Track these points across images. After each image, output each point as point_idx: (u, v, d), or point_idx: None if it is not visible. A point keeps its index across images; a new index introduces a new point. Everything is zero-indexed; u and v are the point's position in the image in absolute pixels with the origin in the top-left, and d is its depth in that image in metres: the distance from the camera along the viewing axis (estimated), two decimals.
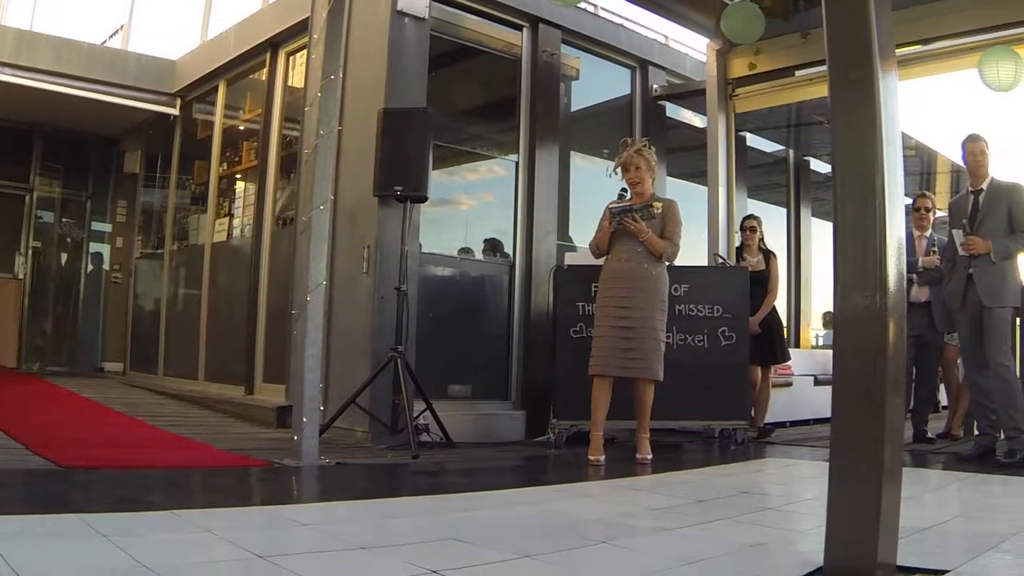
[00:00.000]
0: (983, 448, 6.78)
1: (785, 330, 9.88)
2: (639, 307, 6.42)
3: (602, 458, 6.32)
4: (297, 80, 9.03)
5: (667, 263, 6.64)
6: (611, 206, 6.63)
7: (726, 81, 9.42)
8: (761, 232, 8.69)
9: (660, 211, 6.51)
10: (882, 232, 2.94)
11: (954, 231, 6.91)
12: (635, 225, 6.44)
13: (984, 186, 6.79)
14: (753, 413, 8.23)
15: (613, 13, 9.81)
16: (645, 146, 6.77)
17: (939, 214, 8.52)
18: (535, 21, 8.67)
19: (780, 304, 9.04)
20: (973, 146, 6.85)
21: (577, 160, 9.31)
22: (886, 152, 2.98)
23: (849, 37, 3.09)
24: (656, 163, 6.88)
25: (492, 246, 8.60)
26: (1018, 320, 7.02)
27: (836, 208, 3.07)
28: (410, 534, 3.81)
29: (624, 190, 6.75)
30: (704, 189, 9.48)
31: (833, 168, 3.12)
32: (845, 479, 3.00)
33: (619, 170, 6.77)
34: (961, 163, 7.35)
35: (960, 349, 7.45)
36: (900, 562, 3.02)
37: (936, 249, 7.76)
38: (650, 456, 6.48)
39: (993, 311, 6.58)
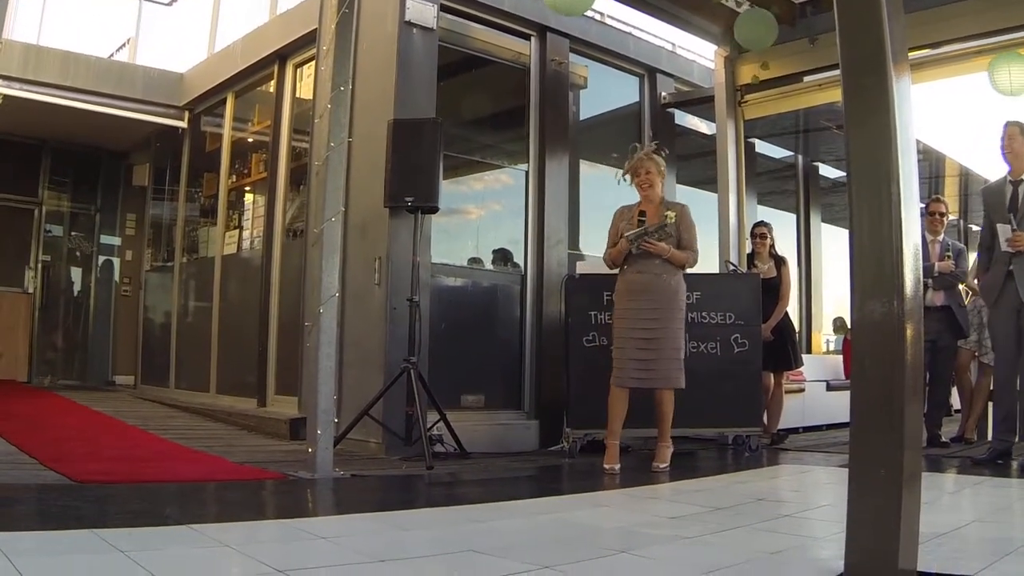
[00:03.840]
0: (997, 452, 6.72)
1: (797, 335, 9.87)
2: (661, 318, 6.39)
3: (618, 467, 6.31)
4: (306, 92, 9.03)
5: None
6: (627, 235, 6.47)
7: (735, 88, 9.36)
8: (772, 238, 8.67)
9: (674, 220, 6.49)
10: (898, 238, 2.92)
11: (999, 225, 6.64)
12: (655, 247, 6.42)
13: None
14: (766, 419, 8.21)
15: (620, 21, 9.81)
16: (655, 150, 6.72)
17: (951, 218, 8.48)
18: (543, 30, 8.68)
19: (791, 309, 9.02)
20: (1012, 129, 6.70)
21: (587, 168, 9.28)
22: (901, 158, 2.96)
23: (862, 43, 3.08)
24: (665, 167, 6.79)
25: (502, 256, 8.59)
26: None
27: (852, 215, 3.05)
28: (428, 546, 3.81)
29: (642, 213, 6.62)
30: (713, 196, 9.45)
31: (848, 175, 3.10)
32: (865, 486, 2.99)
33: (628, 176, 6.73)
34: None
35: (994, 347, 7.23)
36: (920, 567, 3.00)
37: (951, 254, 7.72)
38: (667, 464, 6.47)
39: None
